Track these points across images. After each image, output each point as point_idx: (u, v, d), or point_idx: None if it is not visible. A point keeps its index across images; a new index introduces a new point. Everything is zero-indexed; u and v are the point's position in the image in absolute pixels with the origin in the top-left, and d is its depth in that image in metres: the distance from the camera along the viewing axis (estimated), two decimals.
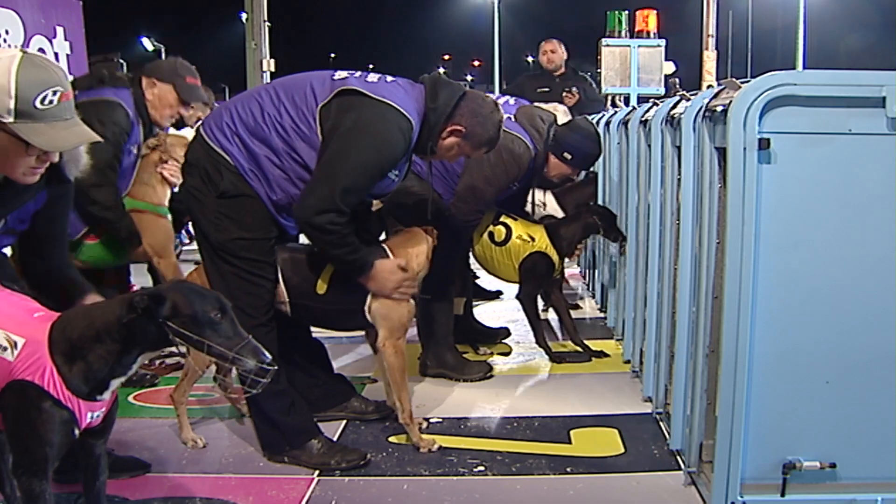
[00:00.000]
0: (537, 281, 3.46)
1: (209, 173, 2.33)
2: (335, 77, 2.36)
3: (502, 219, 3.45)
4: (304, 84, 2.35)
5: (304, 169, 2.31)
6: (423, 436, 2.54)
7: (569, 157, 3.29)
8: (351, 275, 2.42)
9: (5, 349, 1.61)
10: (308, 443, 2.42)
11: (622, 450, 2.51)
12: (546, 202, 4.01)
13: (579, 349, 3.53)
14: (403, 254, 2.52)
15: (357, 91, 2.29)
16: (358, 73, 2.39)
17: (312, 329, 2.78)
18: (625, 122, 3.40)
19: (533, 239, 3.41)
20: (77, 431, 1.68)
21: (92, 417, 1.70)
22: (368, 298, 2.47)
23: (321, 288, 2.46)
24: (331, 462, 2.38)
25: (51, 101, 1.56)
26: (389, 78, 2.41)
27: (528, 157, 3.18)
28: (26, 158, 1.60)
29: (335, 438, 2.59)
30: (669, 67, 7.92)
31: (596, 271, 4.42)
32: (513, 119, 3.22)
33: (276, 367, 1.69)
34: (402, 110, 2.29)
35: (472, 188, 3.14)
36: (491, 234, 3.44)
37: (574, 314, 4.33)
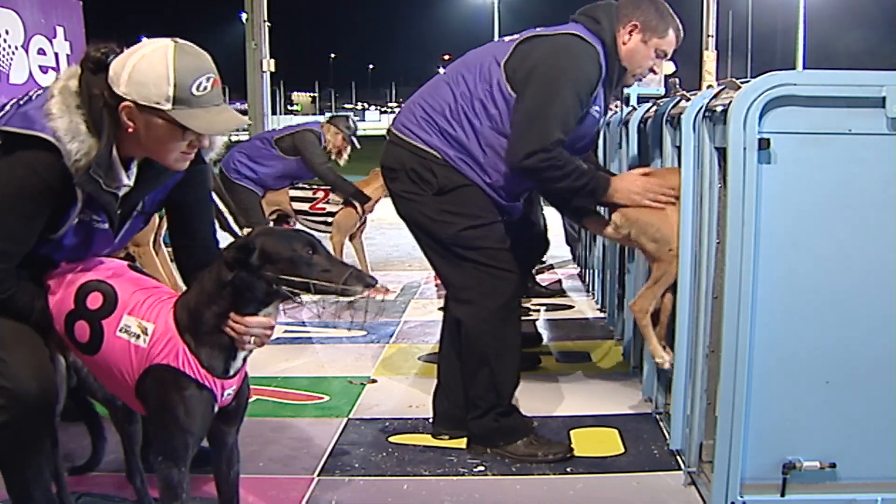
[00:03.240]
0: None
1: (418, 173, 2.36)
2: (507, 39, 2.43)
3: None
4: (482, 54, 2.41)
5: (508, 137, 2.33)
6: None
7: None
8: (593, 200, 2.40)
9: (138, 336, 1.65)
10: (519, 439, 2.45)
11: (622, 450, 2.51)
12: None
13: (580, 351, 3.53)
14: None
15: (532, 36, 2.37)
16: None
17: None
18: (625, 122, 3.40)
19: None
20: (215, 409, 1.70)
21: (225, 395, 1.72)
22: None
23: None
24: (538, 454, 2.41)
25: (205, 88, 1.64)
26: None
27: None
28: (180, 143, 1.68)
29: (335, 438, 2.59)
30: (669, 67, 7.89)
31: (596, 271, 4.42)
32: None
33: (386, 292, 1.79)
34: (581, 35, 2.35)
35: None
36: None
37: (574, 314, 4.36)
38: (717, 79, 10.17)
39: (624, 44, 2.43)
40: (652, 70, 2.50)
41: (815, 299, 1.93)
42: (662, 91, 7.50)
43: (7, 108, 1.72)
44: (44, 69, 5.65)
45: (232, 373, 1.71)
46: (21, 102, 1.71)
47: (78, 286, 1.73)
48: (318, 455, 2.46)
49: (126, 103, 1.64)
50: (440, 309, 2.87)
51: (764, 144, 1.85)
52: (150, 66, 1.62)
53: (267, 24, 10.66)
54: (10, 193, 1.64)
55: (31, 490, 1.77)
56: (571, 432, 2.62)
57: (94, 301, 1.71)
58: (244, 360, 1.73)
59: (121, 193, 1.75)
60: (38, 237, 1.70)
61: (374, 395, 3.02)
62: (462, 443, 2.55)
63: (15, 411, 1.65)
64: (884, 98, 1.83)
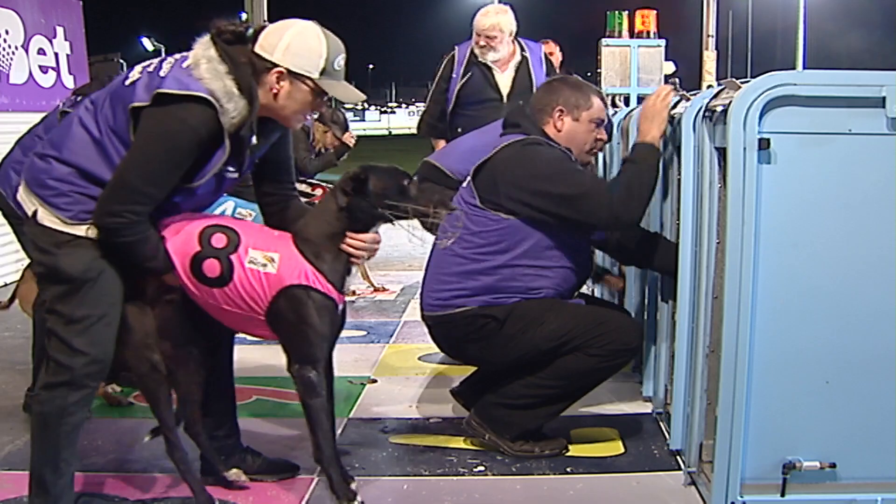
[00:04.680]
0: None
1: (475, 327, 2.45)
2: (463, 185, 2.52)
3: None
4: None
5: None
6: None
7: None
8: (657, 159, 2.38)
9: (265, 265, 1.95)
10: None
11: (622, 450, 2.51)
12: None
13: None
14: None
15: (479, 166, 2.46)
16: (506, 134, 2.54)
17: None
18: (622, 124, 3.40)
19: None
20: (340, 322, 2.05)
21: (339, 309, 2.04)
22: None
23: None
24: (534, 450, 2.45)
25: (340, 65, 1.97)
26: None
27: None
28: (309, 107, 1.98)
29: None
30: (669, 67, 7.92)
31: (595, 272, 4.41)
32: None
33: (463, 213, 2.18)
34: (543, 141, 2.45)
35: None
36: None
37: None
38: (717, 79, 10.16)
39: (559, 131, 2.49)
40: (599, 139, 2.54)
41: (814, 299, 1.93)
42: None
43: (135, 75, 1.90)
44: (44, 69, 5.65)
45: (345, 289, 2.05)
46: (150, 70, 1.90)
47: (199, 231, 1.96)
48: None
49: (279, 69, 1.91)
50: None
51: (764, 144, 1.85)
52: (306, 41, 1.92)
53: (267, 24, 10.67)
54: (165, 144, 1.84)
55: (58, 459, 1.91)
56: (571, 432, 2.62)
57: (220, 241, 1.95)
58: (350, 276, 2.06)
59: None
60: (175, 186, 1.90)
61: (374, 395, 3.02)
62: (462, 443, 2.55)
63: (79, 374, 1.86)
64: (884, 98, 1.83)
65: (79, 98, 2.79)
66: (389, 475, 2.35)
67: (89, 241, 1.88)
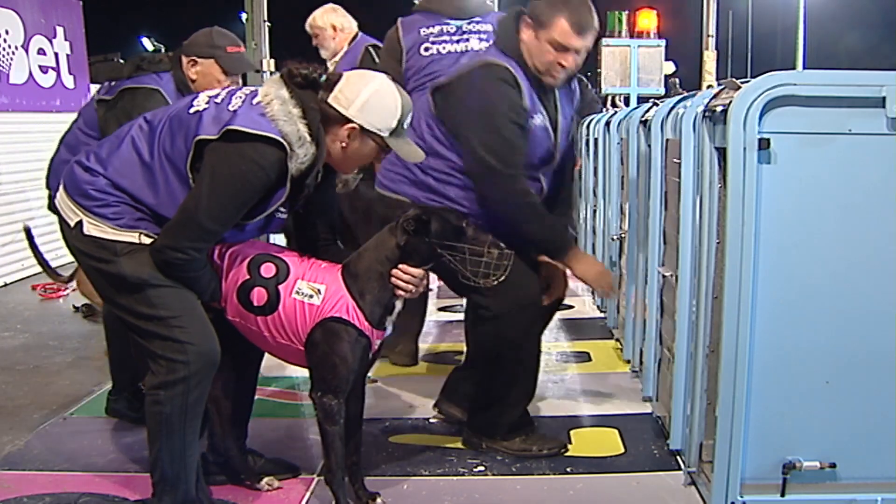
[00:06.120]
0: None
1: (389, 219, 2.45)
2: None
3: None
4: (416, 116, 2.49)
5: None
6: None
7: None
8: (552, 254, 2.36)
9: (311, 296, 1.98)
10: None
11: (622, 450, 2.51)
12: None
13: (580, 351, 3.52)
14: None
15: (443, 84, 2.42)
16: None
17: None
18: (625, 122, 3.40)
19: None
20: (370, 355, 2.05)
21: (375, 345, 2.04)
22: None
23: None
24: (532, 448, 2.44)
25: (408, 123, 1.99)
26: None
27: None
28: (367, 160, 2.02)
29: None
30: (669, 67, 7.93)
31: None
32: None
33: (511, 254, 2.05)
34: (490, 61, 2.34)
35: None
36: None
37: (574, 314, 4.35)
38: (717, 79, 10.17)
39: (523, 42, 2.33)
40: (560, 64, 2.30)
41: (814, 299, 1.93)
42: (662, 91, 7.53)
43: (200, 104, 1.89)
44: (44, 69, 5.65)
45: (384, 326, 2.04)
46: (218, 102, 1.89)
47: (249, 259, 2.00)
48: (318, 455, 2.45)
49: (353, 125, 1.91)
50: (440, 309, 2.87)
51: (764, 144, 1.85)
52: (383, 100, 1.92)
53: (267, 24, 10.66)
54: (236, 184, 1.83)
55: (186, 452, 1.91)
56: (571, 432, 2.63)
57: (268, 270, 1.99)
58: (393, 314, 2.05)
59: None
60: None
61: (374, 395, 3.02)
62: (462, 443, 2.55)
63: (195, 366, 1.86)
64: (884, 98, 1.83)
65: (112, 83, 2.67)
66: (389, 475, 2.35)
67: (144, 247, 1.87)
